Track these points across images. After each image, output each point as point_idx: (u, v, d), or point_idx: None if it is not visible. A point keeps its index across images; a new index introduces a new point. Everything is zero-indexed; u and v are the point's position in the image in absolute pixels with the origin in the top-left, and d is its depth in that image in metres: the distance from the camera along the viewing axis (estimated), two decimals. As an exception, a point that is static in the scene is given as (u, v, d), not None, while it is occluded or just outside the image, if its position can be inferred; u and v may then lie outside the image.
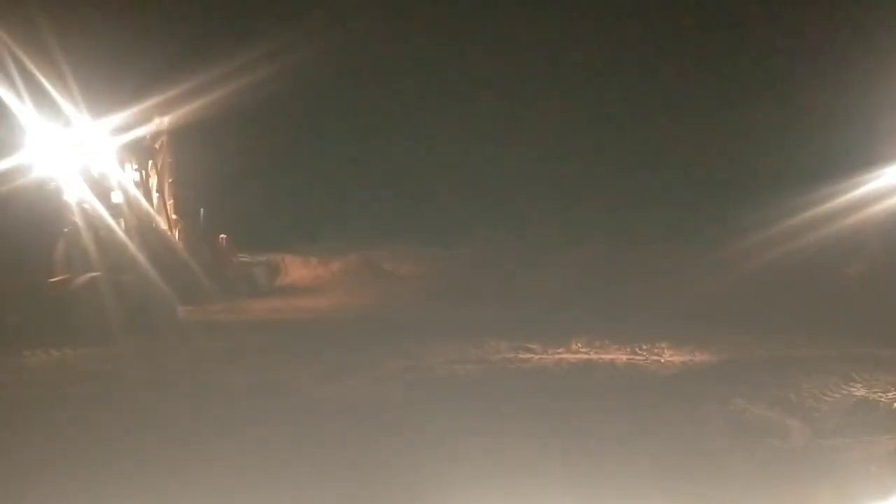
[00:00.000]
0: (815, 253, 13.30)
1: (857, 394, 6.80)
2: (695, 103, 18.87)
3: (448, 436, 5.40)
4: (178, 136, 13.29)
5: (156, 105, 12.47)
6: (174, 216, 13.47)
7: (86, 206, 11.17)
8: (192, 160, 14.06)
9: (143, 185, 12.79)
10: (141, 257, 11.28)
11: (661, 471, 4.79)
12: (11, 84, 10.22)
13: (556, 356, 8.93)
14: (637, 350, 9.09)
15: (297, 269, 18.93)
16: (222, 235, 16.08)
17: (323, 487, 4.55)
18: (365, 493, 4.51)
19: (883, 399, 6.60)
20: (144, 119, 12.36)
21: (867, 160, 13.57)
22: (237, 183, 15.47)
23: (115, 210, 11.71)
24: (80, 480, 4.64)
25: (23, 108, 10.43)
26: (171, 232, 13.34)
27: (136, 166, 12.70)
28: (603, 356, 8.93)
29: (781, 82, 17.86)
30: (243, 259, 16.73)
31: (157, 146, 13.08)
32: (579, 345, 9.40)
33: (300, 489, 4.53)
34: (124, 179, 12.21)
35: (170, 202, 13.37)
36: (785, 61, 17.30)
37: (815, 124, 16.35)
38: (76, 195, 11.17)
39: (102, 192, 11.68)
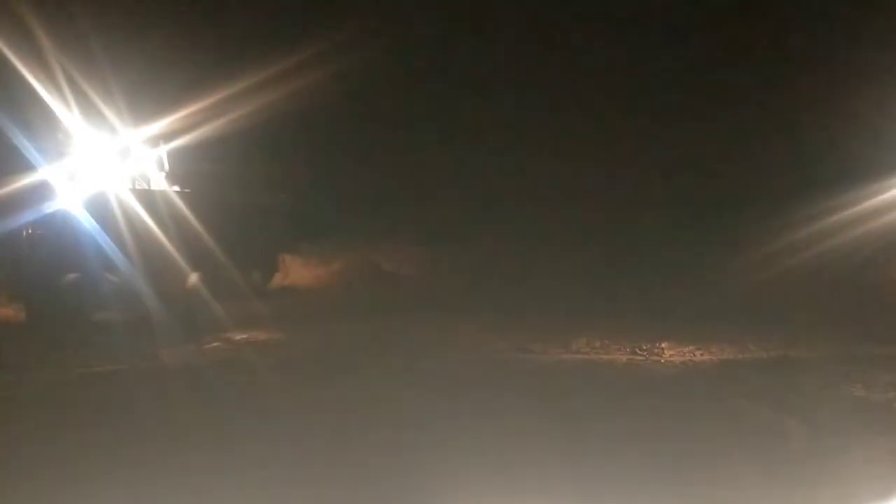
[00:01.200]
0: (815, 254, 13.30)
1: (857, 394, 6.82)
2: (698, 103, 18.78)
3: (448, 436, 5.40)
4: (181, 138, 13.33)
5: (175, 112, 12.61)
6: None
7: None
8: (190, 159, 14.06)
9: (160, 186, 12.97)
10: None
11: (661, 471, 4.79)
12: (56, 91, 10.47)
13: (556, 356, 8.93)
14: (637, 350, 9.09)
15: (296, 269, 18.91)
16: None
17: (322, 487, 4.56)
18: (365, 493, 4.51)
19: (883, 399, 6.61)
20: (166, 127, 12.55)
21: (874, 168, 13.60)
22: (235, 182, 15.41)
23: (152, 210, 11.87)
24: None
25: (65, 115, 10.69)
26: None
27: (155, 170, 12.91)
28: (603, 356, 8.93)
29: (786, 84, 17.79)
30: None
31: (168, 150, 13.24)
32: (579, 345, 9.40)
33: (300, 489, 4.53)
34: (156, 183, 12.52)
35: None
36: (806, 63, 17.14)
37: (818, 128, 16.30)
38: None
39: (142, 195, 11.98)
